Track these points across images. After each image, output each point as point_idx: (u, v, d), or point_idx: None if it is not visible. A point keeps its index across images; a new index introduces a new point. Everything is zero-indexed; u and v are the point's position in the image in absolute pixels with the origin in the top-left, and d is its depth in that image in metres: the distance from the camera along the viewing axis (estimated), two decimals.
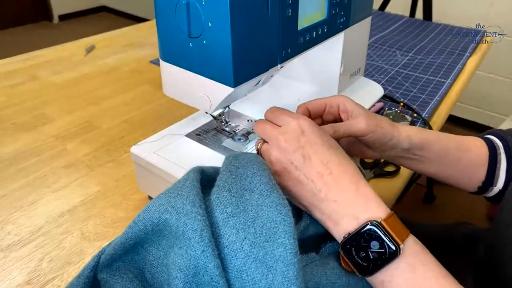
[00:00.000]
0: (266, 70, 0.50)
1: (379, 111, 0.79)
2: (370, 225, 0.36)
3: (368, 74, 0.97)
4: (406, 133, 0.48)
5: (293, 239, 0.35)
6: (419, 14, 1.58)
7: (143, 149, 0.55)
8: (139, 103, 0.83)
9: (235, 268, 0.34)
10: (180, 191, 0.38)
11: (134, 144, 0.56)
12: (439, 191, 1.77)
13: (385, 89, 0.88)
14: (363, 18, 0.71)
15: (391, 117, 0.75)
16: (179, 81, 0.51)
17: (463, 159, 0.50)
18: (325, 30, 0.59)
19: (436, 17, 1.55)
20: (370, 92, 0.77)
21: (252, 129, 0.61)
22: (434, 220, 1.67)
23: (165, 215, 0.36)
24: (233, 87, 0.46)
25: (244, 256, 0.34)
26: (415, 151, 0.49)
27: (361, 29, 0.72)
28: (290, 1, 0.49)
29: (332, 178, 0.39)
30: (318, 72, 0.72)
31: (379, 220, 0.36)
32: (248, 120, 0.63)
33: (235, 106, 0.64)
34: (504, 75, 2.15)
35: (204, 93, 0.49)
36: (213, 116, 0.57)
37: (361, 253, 0.36)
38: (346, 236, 0.37)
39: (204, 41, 0.45)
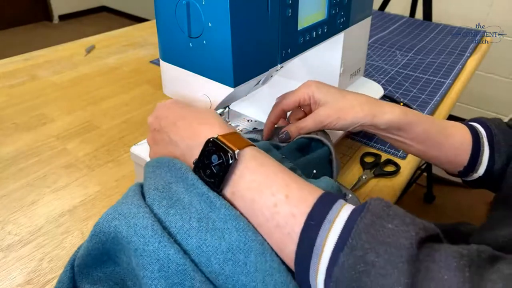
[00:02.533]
0: (266, 70, 0.50)
1: None
2: (209, 142, 0.38)
3: (368, 74, 0.97)
4: (387, 115, 0.49)
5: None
6: (419, 14, 1.58)
7: (143, 149, 0.55)
8: (139, 103, 0.83)
9: (194, 246, 0.36)
10: (124, 199, 0.40)
11: (134, 144, 0.56)
12: (439, 191, 1.77)
13: (385, 89, 0.88)
14: (363, 18, 0.71)
15: None
16: (179, 81, 0.51)
17: (445, 143, 0.51)
18: (325, 30, 0.59)
19: (436, 17, 1.55)
20: (370, 92, 0.77)
21: (252, 129, 0.61)
22: (434, 220, 1.66)
23: (114, 222, 0.38)
24: (233, 87, 0.46)
25: (197, 231, 0.36)
26: (394, 132, 0.50)
27: (361, 29, 0.72)
28: (290, 1, 0.49)
29: (183, 122, 0.42)
30: (318, 72, 0.72)
31: (215, 136, 0.39)
32: (248, 120, 0.63)
33: (235, 106, 0.64)
34: (504, 75, 2.15)
35: (204, 93, 0.49)
36: None
37: (207, 171, 0.38)
38: (194, 162, 0.39)
39: (204, 41, 0.45)
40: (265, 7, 0.46)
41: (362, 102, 0.50)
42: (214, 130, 0.40)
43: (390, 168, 0.66)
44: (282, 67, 0.53)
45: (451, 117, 2.30)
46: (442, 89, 0.90)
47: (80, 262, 0.40)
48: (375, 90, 0.78)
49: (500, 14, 2.01)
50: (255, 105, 0.65)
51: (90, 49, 1.06)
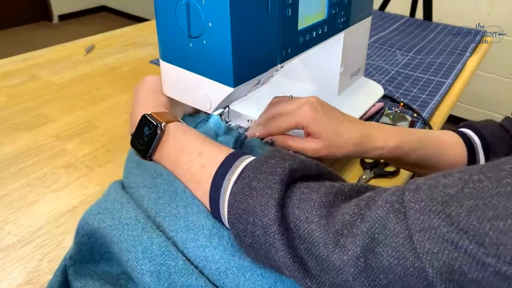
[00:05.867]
0: (266, 70, 0.50)
1: (379, 111, 0.79)
2: (143, 117, 0.47)
3: (368, 74, 0.97)
4: (378, 151, 0.51)
5: None
6: (419, 14, 1.58)
7: None
8: None
9: (182, 225, 0.40)
10: (107, 197, 0.44)
11: None
12: None
13: (385, 89, 0.88)
14: (363, 18, 0.71)
15: (391, 117, 0.75)
16: (179, 81, 0.50)
17: (440, 163, 0.52)
18: (325, 30, 0.59)
19: (436, 17, 1.55)
20: (370, 92, 0.77)
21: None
22: None
23: (99, 216, 0.41)
24: (233, 87, 0.46)
25: (184, 215, 0.41)
26: (389, 162, 0.54)
27: (361, 29, 0.72)
28: (290, 1, 0.49)
29: (133, 105, 0.53)
30: (318, 72, 0.72)
31: (148, 113, 0.47)
32: (248, 120, 0.63)
33: (235, 106, 0.64)
34: (504, 75, 2.15)
35: (204, 93, 0.49)
36: None
37: (140, 141, 0.47)
38: (131, 133, 0.49)
39: (204, 41, 0.45)
40: (265, 7, 0.46)
41: (356, 143, 0.50)
42: (148, 110, 0.49)
43: (390, 168, 0.66)
44: (282, 67, 0.53)
45: (451, 117, 2.30)
46: (442, 89, 0.90)
47: (72, 262, 0.41)
48: (376, 90, 0.78)
49: (500, 14, 2.01)
50: (255, 105, 0.65)
51: (89, 49, 1.06)
